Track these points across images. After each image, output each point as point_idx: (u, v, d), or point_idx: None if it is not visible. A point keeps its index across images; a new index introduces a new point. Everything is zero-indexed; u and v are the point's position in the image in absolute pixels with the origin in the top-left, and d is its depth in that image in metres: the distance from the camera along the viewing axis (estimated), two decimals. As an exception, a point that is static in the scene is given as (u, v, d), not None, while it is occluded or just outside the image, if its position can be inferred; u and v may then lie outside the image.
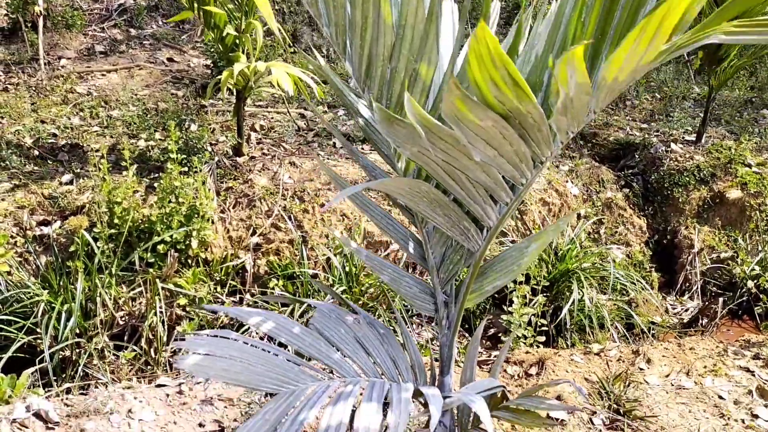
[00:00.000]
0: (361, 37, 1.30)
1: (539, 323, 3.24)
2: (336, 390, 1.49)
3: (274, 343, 1.76)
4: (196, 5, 3.58)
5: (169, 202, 3.41)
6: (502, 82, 0.99)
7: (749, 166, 4.60)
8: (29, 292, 3.07)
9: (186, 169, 3.59)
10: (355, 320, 1.77)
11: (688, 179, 4.58)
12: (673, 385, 2.74)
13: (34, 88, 4.68)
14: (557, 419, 2.47)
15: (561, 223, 1.63)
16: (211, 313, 3.38)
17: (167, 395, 2.53)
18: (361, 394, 1.49)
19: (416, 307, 1.78)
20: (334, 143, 4.64)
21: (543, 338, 3.27)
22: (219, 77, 3.81)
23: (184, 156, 3.66)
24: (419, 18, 1.23)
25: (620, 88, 1.06)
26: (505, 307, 3.35)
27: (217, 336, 1.50)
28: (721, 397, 2.67)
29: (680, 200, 4.54)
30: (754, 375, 2.82)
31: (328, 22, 1.32)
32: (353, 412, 1.50)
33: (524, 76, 1.32)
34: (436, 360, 2.82)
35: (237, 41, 3.82)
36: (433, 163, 1.27)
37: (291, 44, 5.83)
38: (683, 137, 5.08)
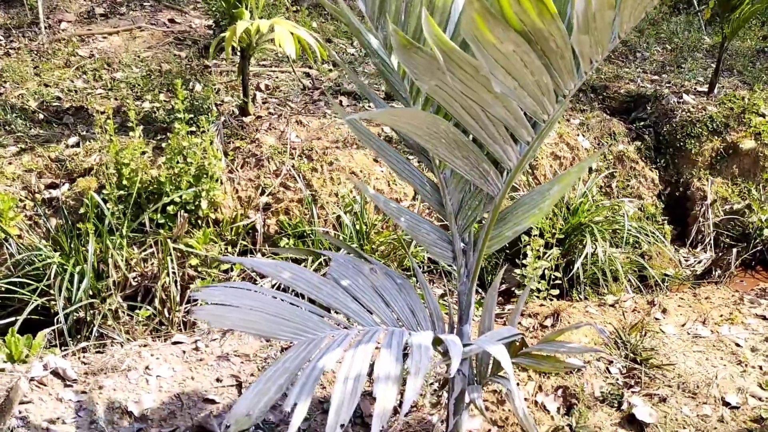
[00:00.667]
0: (374, -31, 1.25)
1: (553, 276, 3.22)
2: (355, 338, 1.48)
3: (291, 295, 1.74)
4: (197, -40, 3.49)
5: (178, 162, 3.38)
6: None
7: (763, 115, 4.52)
8: (41, 255, 3.07)
9: (193, 129, 3.55)
10: (372, 270, 1.75)
11: (700, 130, 4.51)
12: (689, 333, 2.73)
13: (35, 52, 4.61)
14: (575, 368, 2.47)
15: (585, 164, 1.59)
16: (223, 274, 3.38)
17: (183, 352, 2.53)
18: (379, 343, 1.48)
19: (434, 255, 1.76)
20: (341, 101, 4.58)
21: (557, 291, 3.25)
22: (222, 35, 3.74)
23: (191, 116, 3.61)
24: (437, -55, 1.18)
25: (644, 6, 1.01)
26: (518, 261, 3.33)
27: (233, 287, 1.48)
28: (738, 345, 2.66)
29: (693, 152, 4.48)
30: (771, 322, 2.81)
31: (339, -44, 1.27)
32: (372, 362, 1.48)
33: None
34: (448, 314, 2.81)
35: (240, -3, 3.74)
36: (452, 99, 1.23)
37: (294, 1, 5.71)
38: (695, 88, 4.99)
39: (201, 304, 1.56)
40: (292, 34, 3.45)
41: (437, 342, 1.58)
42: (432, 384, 2.44)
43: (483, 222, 1.72)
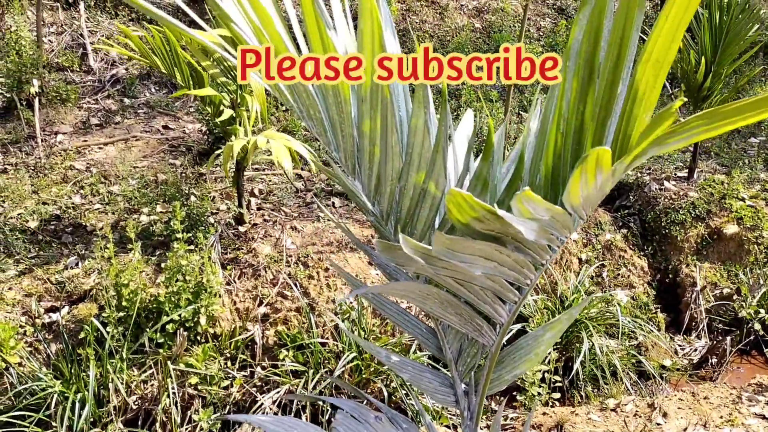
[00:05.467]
0: (369, 160, 1.35)
1: (553, 380, 3.25)
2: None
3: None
4: (191, 85, 3.65)
5: (176, 280, 3.43)
6: (484, 219, 1.06)
7: (743, 199, 4.66)
8: (42, 384, 3.07)
9: (191, 247, 3.62)
10: (377, 418, 1.79)
11: (684, 217, 4.63)
12: (691, 439, 2.75)
13: (32, 168, 4.72)
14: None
15: (574, 312, 1.66)
16: (223, 390, 3.38)
17: (188, 487, 2.52)
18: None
19: (437, 401, 1.80)
20: (333, 203, 4.69)
21: (558, 395, 3.27)
22: (218, 151, 3.87)
23: (189, 233, 3.69)
24: (426, 147, 1.29)
25: (602, 196, 1.13)
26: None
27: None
28: (740, 450, 2.68)
29: (678, 238, 4.59)
30: (770, 423, 2.84)
31: (336, 147, 1.37)
32: None
33: (507, 183, 1.39)
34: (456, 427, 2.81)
35: (233, 115, 3.89)
36: (438, 276, 1.32)
37: (284, 107, 5.91)
38: (675, 174, 5.16)
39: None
40: (286, 147, 3.57)
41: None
42: None
43: (483, 364, 1.78)
